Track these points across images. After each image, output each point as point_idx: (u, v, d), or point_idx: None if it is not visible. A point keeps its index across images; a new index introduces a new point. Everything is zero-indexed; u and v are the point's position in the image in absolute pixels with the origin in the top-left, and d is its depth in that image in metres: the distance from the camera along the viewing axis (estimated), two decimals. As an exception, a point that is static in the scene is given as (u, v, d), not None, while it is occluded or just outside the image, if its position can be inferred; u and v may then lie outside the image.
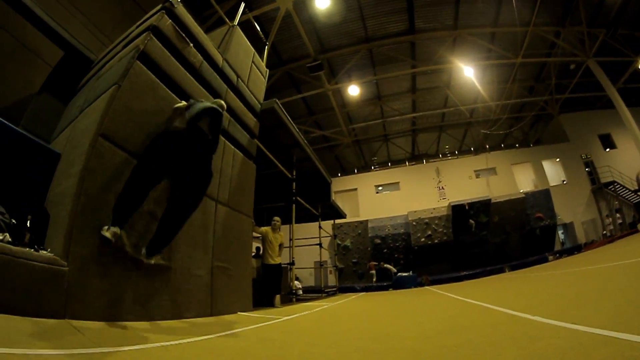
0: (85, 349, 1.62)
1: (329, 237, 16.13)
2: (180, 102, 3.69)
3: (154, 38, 3.53)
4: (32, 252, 2.08)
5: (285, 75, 17.23)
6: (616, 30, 14.73)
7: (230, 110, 5.14)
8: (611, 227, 17.74)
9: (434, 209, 19.58)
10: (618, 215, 17.86)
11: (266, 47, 8.66)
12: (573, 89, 19.49)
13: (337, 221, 16.47)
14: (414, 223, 19.20)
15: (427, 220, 19.02)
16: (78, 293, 2.28)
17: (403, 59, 17.17)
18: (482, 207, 17.50)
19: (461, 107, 20.10)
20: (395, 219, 20.36)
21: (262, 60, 7.33)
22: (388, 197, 22.94)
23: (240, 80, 5.59)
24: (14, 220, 2.39)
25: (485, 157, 22.14)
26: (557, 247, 18.07)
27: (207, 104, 3.27)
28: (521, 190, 19.93)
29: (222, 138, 4.69)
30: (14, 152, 2.80)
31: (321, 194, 10.92)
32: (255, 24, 8.93)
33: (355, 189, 23.88)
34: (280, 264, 6.88)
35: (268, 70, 7.34)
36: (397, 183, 23.38)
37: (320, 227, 11.86)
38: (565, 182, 20.23)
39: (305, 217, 11.33)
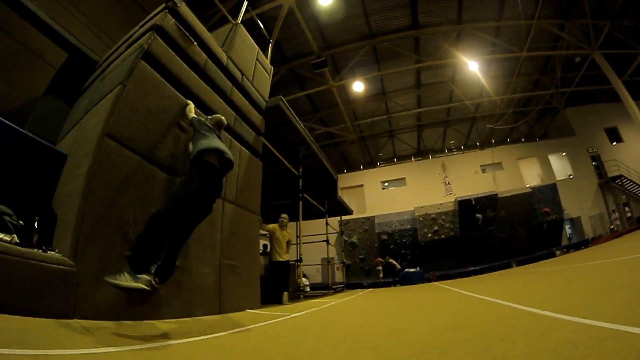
0: (95, 348, 1.63)
1: (336, 234, 16.13)
2: (187, 102, 3.70)
3: (157, 37, 3.54)
4: (41, 253, 2.09)
5: (290, 73, 17.20)
6: (621, 22, 14.44)
7: (236, 108, 5.15)
8: (618, 221, 17.55)
9: (440, 204, 19.55)
10: (626, 209, 17.62)
11: (270, 44, 8.65)
12: (579, 82, 19.25)
13: (344, 217, 16.47)
14: (420, 219, 19.17)
15: (433, 215, 18.99)
16: (87, 293, 2.29)
17: (407, 55, 17.04)
18: (489, 202, 17.38)
19: (466, 101, 19.97)
20: (401, 214, 20.36)
21: (267, 58, 7.32)
22: (394, 193, 22.88)
23: (245, 78, 5.59)
24: (21, 222, 2.41)
25: (491, 152, 22.01)
26: (565, 242, 17.95)
27: (215, 144, 3.19)
28: (528, 185, 19.78)
29: (228, 136, 4.70)
30: (21, 154, 2.81)
31: (328, 191, 10.92)
32: (259, 22, 8.93)
33: (362, 185, 23.85)
34: (287, 261, 6.90)
35: (272, 68, 7.33)
36: (404, 179, 23.32)
37: (327, 224, 11.88)
38: (571, 177, 20.02)
39: (312, 213, 11.37)
